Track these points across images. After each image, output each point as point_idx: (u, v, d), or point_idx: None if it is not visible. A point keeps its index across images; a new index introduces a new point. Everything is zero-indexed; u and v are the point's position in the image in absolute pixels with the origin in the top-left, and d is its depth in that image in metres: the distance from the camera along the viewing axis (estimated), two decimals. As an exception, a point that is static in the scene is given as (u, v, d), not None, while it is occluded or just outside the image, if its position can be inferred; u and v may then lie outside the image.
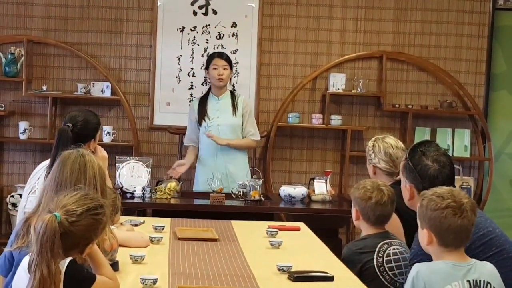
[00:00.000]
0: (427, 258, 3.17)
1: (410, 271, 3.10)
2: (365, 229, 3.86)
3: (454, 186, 3.47)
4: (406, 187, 3.63)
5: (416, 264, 3.13)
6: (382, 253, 3.70)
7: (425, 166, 3.54)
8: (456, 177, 4.05)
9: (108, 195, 3.30)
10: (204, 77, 6.93)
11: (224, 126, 6.13)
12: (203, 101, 6.22)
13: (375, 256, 3.69)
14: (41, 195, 3.18)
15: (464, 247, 3.10)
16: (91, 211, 2.73)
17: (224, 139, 6.06)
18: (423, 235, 3.12)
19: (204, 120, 6.15)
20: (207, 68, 6.21)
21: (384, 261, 3.68)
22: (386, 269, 3.66)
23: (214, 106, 6.17)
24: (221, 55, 6.21)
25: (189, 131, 6.27)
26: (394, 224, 3.97)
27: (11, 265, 3.07)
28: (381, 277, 3.65)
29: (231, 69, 6.22)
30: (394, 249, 3.72)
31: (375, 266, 3.67)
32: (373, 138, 4.51)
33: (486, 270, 3.07)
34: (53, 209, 2.70)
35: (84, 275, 2.74)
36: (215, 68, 6.13)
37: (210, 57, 6.23)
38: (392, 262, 3.66)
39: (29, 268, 2.62)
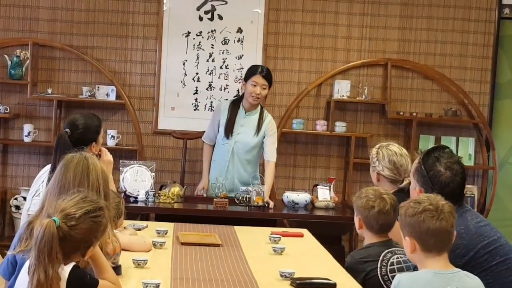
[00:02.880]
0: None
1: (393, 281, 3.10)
2: (369, 238, 3.85)
3: (464, 195, 3.50)
4: (415, 190, 3.63)
5: (397, 274, 3.13)
6: (386, 262, 3.68)
7: (438, 173, 3.54)
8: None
9: (112, 199, 3.30)
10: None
11: (241, 144, 5.95)
12: (233, 109, 5.99)
13: (378, 265, 3.68)
14: (44, 198, 3.17)
15: (447, 252, 3.08)
16: (91, 214, 2.71)
17: (266, 195, 5.73)
18: (406, 244, 3.12)
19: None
20: (246, 79, 5.96)
21: (388, 270, 3.66)
22: (390, 278, 3.64)
23: (240, 121, 5.97)
24: (264, 74, 5.92)
25: (209, 130, 6.14)
26: (398, 231, 3.95)
27: (14, 268, 3.07)
28: (385, 286, 3.63)
29: (270, 87, 6.00)
30: (398, 257, 3.71)
31: (379, 275, 3.65)
32: (377, 146, 4.51)
33: (470, 284, 3.03)
34: (52, 214, 2.68)
35: (87, 281, 2.73)
36: (254, 85, 5.89)
37: (253, 71, 5.96)
38: (396, 271, 3.64)
39: (28, 273, 2.62)
